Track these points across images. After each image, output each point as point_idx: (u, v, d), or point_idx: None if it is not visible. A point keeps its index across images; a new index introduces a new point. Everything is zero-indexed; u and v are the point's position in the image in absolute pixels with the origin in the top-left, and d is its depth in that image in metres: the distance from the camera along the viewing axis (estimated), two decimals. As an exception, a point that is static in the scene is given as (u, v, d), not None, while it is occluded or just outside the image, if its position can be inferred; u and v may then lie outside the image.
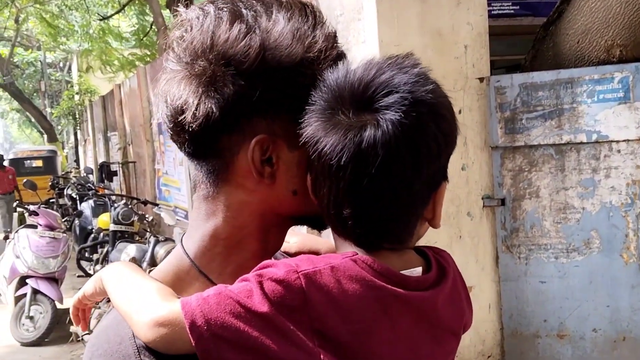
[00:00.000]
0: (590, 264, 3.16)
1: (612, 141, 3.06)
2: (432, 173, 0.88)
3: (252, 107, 0.96)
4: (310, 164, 0.93)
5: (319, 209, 0.94)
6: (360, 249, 0.89)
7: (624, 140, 3.04)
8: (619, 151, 3.06)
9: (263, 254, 1.05)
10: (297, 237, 1.25)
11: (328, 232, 1.02)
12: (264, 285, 0.81)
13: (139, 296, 0.90)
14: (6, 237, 7.72)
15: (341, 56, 0.98)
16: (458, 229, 3.29)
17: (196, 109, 0.96)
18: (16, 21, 19.89)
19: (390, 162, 0.84)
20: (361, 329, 0.83)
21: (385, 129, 0.82)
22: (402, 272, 0.88)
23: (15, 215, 13.11)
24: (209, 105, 0.95)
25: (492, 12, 4.44)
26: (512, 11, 4.79)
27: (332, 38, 0.98)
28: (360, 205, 0.87)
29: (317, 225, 1.04)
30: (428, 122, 0.84)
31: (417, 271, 0.92)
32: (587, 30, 3.13)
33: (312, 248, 1.24)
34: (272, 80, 0.95)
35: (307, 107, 0.93)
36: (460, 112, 3.24)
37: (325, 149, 0.86)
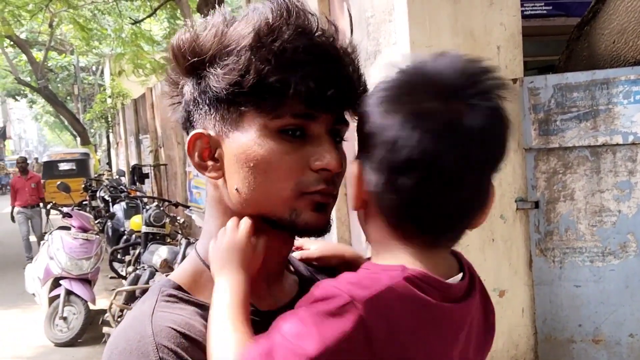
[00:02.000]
0: (627, 267, 3.10)
1: (649, 143, 3.00)
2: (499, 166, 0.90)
3: (194, 104, 1.03)
4: (371, 159, 0.91)
5: (368, 205, 0.95)
6: (413, 248, 0.88)
7: (661, 142, 2.98)
8: (656, 153, 3.00)
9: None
10: (316, 243, 1.24)
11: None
12: (320, 327, 0.80)
13: (224, 330, 0.92)
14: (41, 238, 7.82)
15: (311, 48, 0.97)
16: (491, 232, 3.25)
17: (177, 114, 1.07)
18: (50, 26, 20.21)
19: (484, 148, 0.84)
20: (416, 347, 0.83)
21: (483, 115, 0.82)
22: (447, 281, 0.88)
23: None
24: (180, 110, 1.06)
25: (525, 12, 4.39)
26: (544, 11, 4.74)
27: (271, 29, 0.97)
28: (445, 195, 0.85)
29: (278, 227, 1.04)
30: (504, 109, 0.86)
31: (458, 278, 0.91)
32: (623, 30, 3.07)
33: (335, 253, 1.24)
34: (200, 77, 1.01)
35: (262, 103, 0.96)
36: (492, 113, 3.20)
37: (409, 140, 0.83)
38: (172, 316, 0.99)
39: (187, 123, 1.06)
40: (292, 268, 1.24)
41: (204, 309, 1.02)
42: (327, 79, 0.97)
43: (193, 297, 1.04)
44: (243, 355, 0.84)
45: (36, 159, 38.93)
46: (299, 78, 0.95)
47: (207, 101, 1.00)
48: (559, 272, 3.24)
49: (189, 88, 1.03)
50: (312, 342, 0.78)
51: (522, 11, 3.75)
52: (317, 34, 1.01)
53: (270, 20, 0.98)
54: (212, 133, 1.03)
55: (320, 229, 1.05)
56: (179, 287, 1.06)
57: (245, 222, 1.02)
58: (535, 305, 3.32)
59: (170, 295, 1.04)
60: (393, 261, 0.87)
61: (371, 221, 0.95)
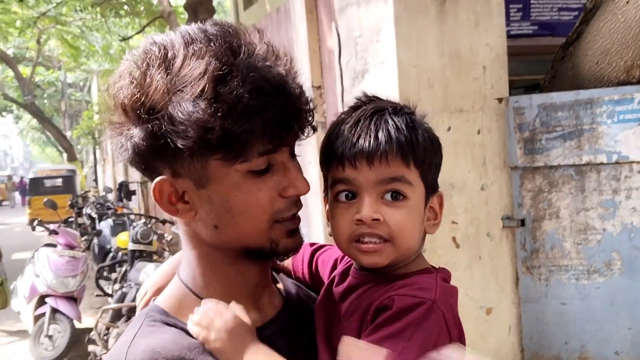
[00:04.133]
0: (612, 285, 3.13)
1: (632, 162, 3.04)
2: None
3: (149, 150, 1.02)
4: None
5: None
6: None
7: (644, 161, 3.02)
8: (639, 172, 3.03)
9: (234, 284, 1.12)
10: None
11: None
12: (419, 331, 0.97)
13: None
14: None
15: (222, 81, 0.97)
16: (478, 249, 3.27)
17: (125, 155, 1.07)
18: (38, 42, 20.20)
19: None
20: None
21: None
22: None
23: None
24: (127, 152, 1.05)
25: (511, 32, 4.45)
26: (530, 31, 4.79)
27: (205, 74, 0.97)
28: None
29: (262, 257, 1.10)
30: None
31: None
32: (607, 51, 3.12)
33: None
34: (152, 126, 1.00)
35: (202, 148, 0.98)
36: (479, 132, 3.24)
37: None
38: (154, 340, 1.02)
39: (142, 165, 1.06)
40: (279, 283, 1.26)
41: (188, 332, 1.05)
42: (285, 116, 1.01)
43: (178, 319, 1.07)
44: None
45: (9, 176, 38.65)
46: (261, 123, 0.97)
47: (168, 152, 1.00)
48: (545, 289, 3.26)
49: (138, 134, 1.02)
50: (416, 349, 0.95)
51: (509, 31, 3.80)
52: (264, 66, 1.01)
53: (219, 64, 0.98)
54: (176, 178, 1.04)
55: (297, 250, 1.14)
56: (164, 312, 1.09)
57: (224, 306, 1.04)
58: (522, 322, 3.34)
59: (156, 320, 1.07)
60: (423, 265, 1.13)
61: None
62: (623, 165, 3.06)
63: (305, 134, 1.08)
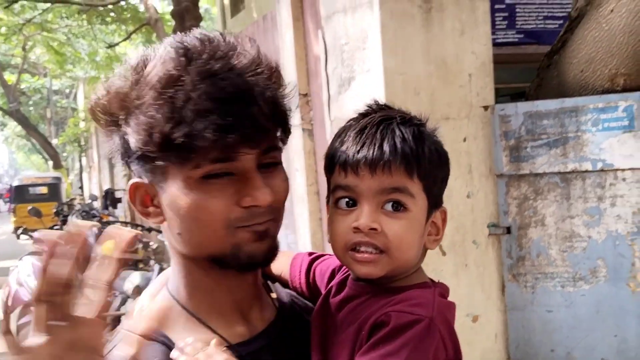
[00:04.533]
0: (597, 293, 3.14)
1: (617, 169, 3.06)
2: None
3: (124, 155, 1.04)
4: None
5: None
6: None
7: (629, 169, 3.03)
8: (624, 179, 3.05)
9: (217, 295, 1.10)
10: None
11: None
12: (418, 349, 0.97)
13: None
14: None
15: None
16: (464, 257, 3.28)
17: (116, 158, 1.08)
18: (23, 49, 20.09)
19: None
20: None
21: None
22: None
23: None
24: (116, 153, 1.06)
25: (497, 40, 4.47)
26: (516, 39, 4.83)
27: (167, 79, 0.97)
28: None
29: (228, 265, 1.06)
30: None
31: None
32: (591, 59, 3.14)
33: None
34: (121, 132, 1.02)
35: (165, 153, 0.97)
36: (465, 140, 3.25)
37: None
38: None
39: (127, 167, 1.09)
40: (272, 293, 1.24)
41: (168, 346, 1.03)
42: (235, 123, 0.96)
43: (159, 332, 1.05)
44: None
45: None
46: (207, 128, 0.94)
47: (134, 155, 1.01)
48: (531, 297, 3.26)
49: (116, 139, 1.05)
50: None
51: (495, 39, 3.81)
52: (222, 73, 0.98)
53: (171, 70, 0.97)
54: (147, 182, 1.05)
55: (266, 257, 1.07)
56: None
57: (214, 350, 1.01)
58: (508, 330, 3.34)
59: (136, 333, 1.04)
60: (422, 279, 1.11)
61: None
62: (608, 173, 3.07)
63: (265, 143, 1.03)
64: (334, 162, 1.08)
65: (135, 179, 1.06)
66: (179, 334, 1.05)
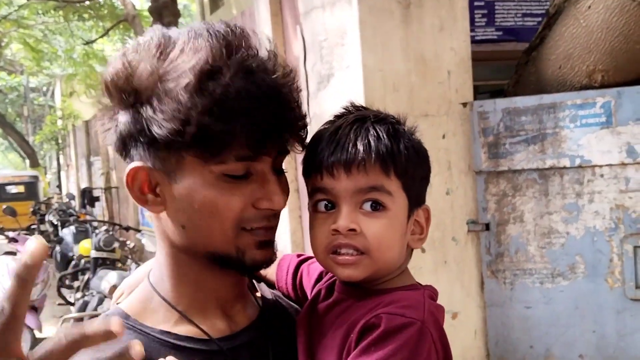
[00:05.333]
0: (576, 289, 3.15)
1: (595, 166, 3.07)
2: None
3: (130, 137, 1.00)
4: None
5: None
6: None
7: (607, 165, 3.04)
8: (602, 175, 3.06)
9: (203, 290, 1.08)
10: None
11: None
12: (413, 353, 0.96)
13: None
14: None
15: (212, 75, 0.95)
16: (443, 254, 3.27)
17: (111, 139, 1.04)
18: (-1, 46, 19.82)
19: None
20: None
21: None
22: None
23: None
24: (113, 136, 1.03)
25: (476, 37, 4.48)
26: (495, 37, 4.84)
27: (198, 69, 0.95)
28: None
29: (229, 265, 1.05)
30: None
31: None
32: (569, 56, 3.15)
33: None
34: (137, 112, 0.98)
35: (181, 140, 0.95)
36: (444, 136, 3.24)
37: None
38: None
39: (123, 151, 1.04)
40: (257, 292, 1.23)
41: (148, 335, 1.03)
42: (269, 123, 0.97)
43: (138, 324, 1.04)
44: None
45: None
46: (242, 126, 0.94)
47: (146, 139, 0.98)
48: (510, 293, 3.27)
49: (124, 119, 1.00)
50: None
51: (474, 36, 3.82)
52: (259, 71, 0.99)
53: (211, 60, 0.95)
54: (151, 167, 1.01)
55: (267, 264, 1.08)
56: (125, 314, 1.06)
57: None
58: (488, 327, 3.34)
59: None
60: (409, 281, 1.10)
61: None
62: (586, 169, 3.08)
63: (288, 147, 1.05)
64: (310, 166, 1.07)
65: (136, 163, 1.01)
66: (158, 325, 1.05)
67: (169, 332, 1.04)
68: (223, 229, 1.01)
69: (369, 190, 1.02)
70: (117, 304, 1.16)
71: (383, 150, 1.02)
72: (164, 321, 1.06)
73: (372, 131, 1.04)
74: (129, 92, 0.98)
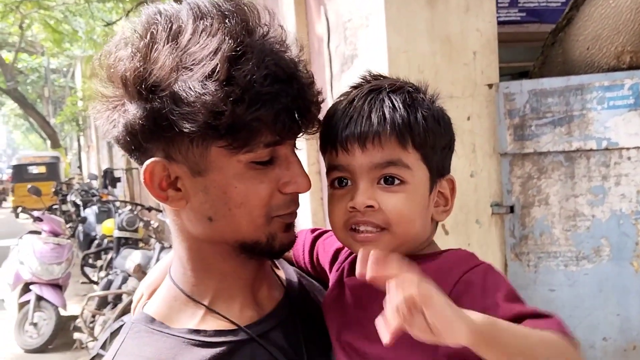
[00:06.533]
0: (600, 272, 3.14)
1: (622, 148, 3.04)
2: None
3: (144, 130, 0.94)
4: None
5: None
6: None
7: (634, 148, 3.01)
8: (629, 158, 3.03)
9: (229, 280, 1.06)
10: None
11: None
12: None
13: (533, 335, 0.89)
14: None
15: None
16: (467, 236, 3.27)
17: (114, 132, 0.98)
18: (20, 27, 19.94)
19: None
20: None
21: None
22: None
23: None
24: (118, 129, 0.97)
25: (499, 19, 4.41)
26: (518, 18, 4.77)
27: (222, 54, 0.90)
28: None
29: (257, 252, 1.04)
30: None
31: None
32: (597, 37, 3.11)
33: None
34: (151, 103, 0.93)
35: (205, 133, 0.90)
36: (469, 118, 3.22)
37: None
38: (135, 356, 1.00)
39: (131, 145, 0.98)
40: (280, 270, 1.22)
41: (176, 337, 1.02)
42: (295, 106, 0.95)
43: (164, 327, 1.03)
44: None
45: None
46: (274, 113, 0.92)
47: (165, 132, 0.93)
48: (534, 276, 3.26)
49: (135, 111, 0.94)
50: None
51: (497, 17, 3.77)
52: (279, 50, 0.96)
53: (233, 44, 0.90)
54: (170, 162, 0.97)
55: (291, 245, 1.08)
56: (150, 319, 1.05)
57: (387, 258, 0.83)
58: (511, 309, 3.34)
59: (140, 331, 1.04)
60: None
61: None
62: (612, 152, 3.06)
63: (313, 128, 1.01)
64: (325, 141, 1.04)
65: (154, 159, 0.97)
66: (185, 324, 1.04)
67: (197, 330, 1.02)
68: (252, 217, 0.98)
69: (386, 165, 0.99)
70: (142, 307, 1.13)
71: (399, 121, 0.98)
72: (191, 318, 1.04)
73: (387, 102, 0.99)
74: (146, 86, 0.92)
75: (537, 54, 3.53)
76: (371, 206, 0.99)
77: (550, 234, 3.21)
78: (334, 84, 3.62)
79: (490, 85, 3.26)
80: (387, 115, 0.98)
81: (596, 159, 3.08)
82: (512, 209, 3.28)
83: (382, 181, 1.00)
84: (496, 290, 0.92)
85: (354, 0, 3.33)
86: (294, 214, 1.05)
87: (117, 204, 8.51)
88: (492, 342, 0.78)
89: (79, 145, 27.58)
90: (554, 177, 3.17)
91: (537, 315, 0.90)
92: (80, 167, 26.80)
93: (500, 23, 4.32)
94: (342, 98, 1.06)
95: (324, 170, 1.06)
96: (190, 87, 0.89)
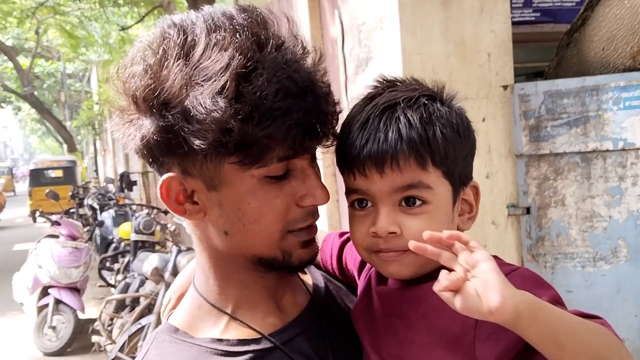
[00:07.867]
0: (618, 273, 3.12)
1: (638, 149, 3.02)
2: None
3: (158, 145, 0.94)
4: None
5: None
6: None
7: (651, 148, 3.00)
8: (646, 159, 3.02)
9: (251, 289, 1.06)
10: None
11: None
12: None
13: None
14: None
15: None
16: (483, 238, 3.26)
17: (132, 144, 0.99)
18: (36, 32, 20.11)
19: None
20: None
21: None
22: None
23: None
24: (135, 141, 0.97)
25: (513, 19, 4.41)
26: (533, 18, 4.77)
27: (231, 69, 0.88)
28: None
29: (274, 267, 1.03)
30: None
31: None
32: (613, 37, 3.09)
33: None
34: (164, 119, 0.92)
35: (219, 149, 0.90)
36: (484, 120, 3.22)
37: None
38: None
39: (149, 157, 0.99)
40: (307, 274, 1.21)
41: (199, 346, 1.02)
42: (309, 119, 0.93)
43: (188, 337, 1.03)
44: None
45: (10, 169, 38.26)
46: (283, 127, 0.90)
47: (179, 148, 0.92)
48: (551, 277, 3.25)
49: (149, 126, 0.94)
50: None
51: (511, 18, 3.77)
52: (291, 62, 0.93)
53: (243, 59, 0.89)
54: (186, 177, 0.97)
55: (312, 260, 1.07)
56: (174, 329, 1.05)
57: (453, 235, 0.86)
58: (528, 310, 3.33)
59: (164, 341, 1.04)
60: None
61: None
62: (629, 152, 3.04)
63: (328, 141, 1.00)
64: (342, 163, 1.01)
65: (169, 175, 0.97)
66: (208, 333, 1.04)
67: (220, 340, 1.02)
68: (268, 234, 0.98)
69: (406, 188, 0.96)
70: (167, 319, 1.14)
71: (417, 141, 0.95)
72: (214, 327, 1.04)
73: (402, 119, 0.96)
74: (157, 103, 0.92)
75: (551, 53, 3.52)
76: (393, 232, 0.97)
77: (567, 235, 3.20)
78: (348, 87, 3.63)
79: (505, 87, 3.25)
80: (404, 136, 0.95)
81: (612, 160, 3.07)
82: (528, 210, 3.27)
83: (403, 202, 0.98)
84: (540, 295, 0.89)
85: (368, 2, 3.34)
86: (312, 228, 1.03)
87: (134, 207, 8.56)
88: (540, 321, 0.80)
89: (95, 149, 27.77)
90: (570, 178, 3.16)
91: (583, 316, 0.90)
92: (96, 170, 26.98)
93: (514, 23, 4.32)
94: (356, 111, 1.02)
95: (339, 173, 1.05)
96: (200, 104, 0.88)
